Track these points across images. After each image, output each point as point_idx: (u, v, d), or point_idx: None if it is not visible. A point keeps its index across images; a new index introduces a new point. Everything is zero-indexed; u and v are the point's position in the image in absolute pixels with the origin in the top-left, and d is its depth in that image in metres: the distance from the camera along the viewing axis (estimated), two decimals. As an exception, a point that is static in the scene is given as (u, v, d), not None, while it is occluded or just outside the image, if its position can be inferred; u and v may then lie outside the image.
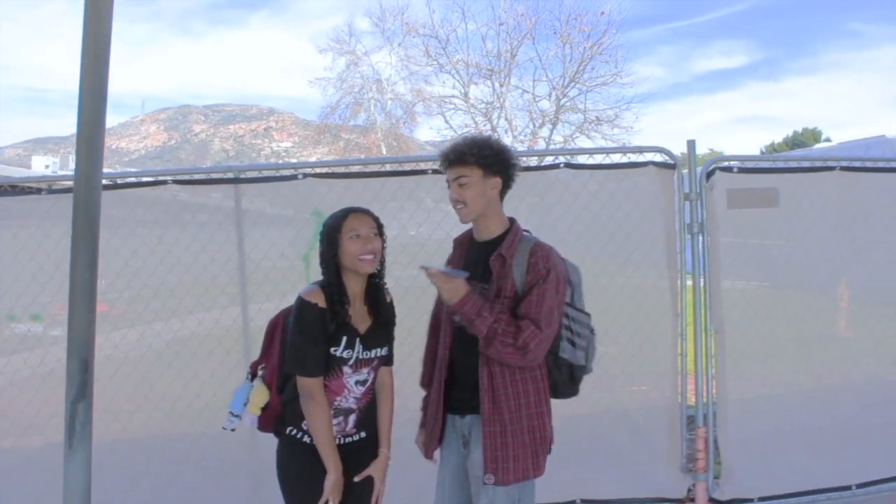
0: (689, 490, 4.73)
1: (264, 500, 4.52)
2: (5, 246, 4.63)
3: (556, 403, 3.06)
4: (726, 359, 4.72)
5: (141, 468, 4.67)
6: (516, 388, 2.88)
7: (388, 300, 3.14)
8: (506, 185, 3.01)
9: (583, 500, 4.69)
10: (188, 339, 4.69)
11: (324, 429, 2.87)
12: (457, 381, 3.02)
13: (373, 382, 3.03)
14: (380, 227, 3.01)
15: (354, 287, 2.97)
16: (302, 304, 2.87)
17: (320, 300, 2.86)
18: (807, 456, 4.81)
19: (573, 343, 2.95)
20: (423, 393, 3.28)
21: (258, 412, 3.05)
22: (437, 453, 3.15)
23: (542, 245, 2.92)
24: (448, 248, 3.23)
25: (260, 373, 3.12)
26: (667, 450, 4.76)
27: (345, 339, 2.89)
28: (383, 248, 3.01)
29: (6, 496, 4.64)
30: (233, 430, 3.14)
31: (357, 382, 2.95)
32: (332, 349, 2.87)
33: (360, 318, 2.97)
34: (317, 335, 2.84)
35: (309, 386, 2.86)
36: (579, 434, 4.54)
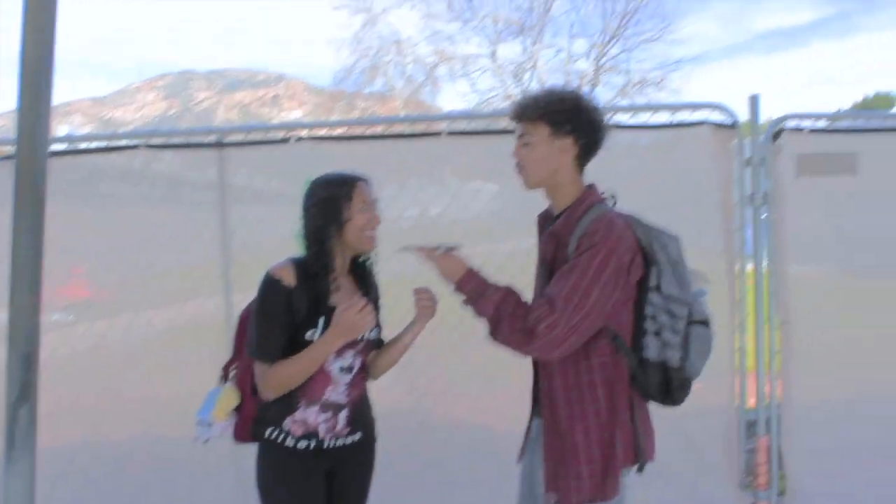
0: (749, 509, 4.56)
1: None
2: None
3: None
4: (793, 356, 4.51)
5: (116, 475, 4.61)
6: (580, 392, 2.64)
7: (376, 281, 3.10)
8: (585, 152, 2.77)
9: (624, 518, 4.55)
10: (164, 332, 4.61)
11: (286, 369, 2.76)
12: (539, 376, 2.84)
13: (361, 370, 2.94)
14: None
15: (340, 264, 2.89)
16: (266, 280, 2.82)
17: (288, 277, 2.79)
18: (890, 471, 4.57)
19: (661, 338, 2.64)
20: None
21: (224, 418, 2.94)
22: None
23: (604, 217, 2.63)
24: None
25: (232, 373, 3.03)
26: (722, 461, 4.57)
27: (322, 320, 2.78)
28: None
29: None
30: (205, 441, 3.00)
31: (342, 369, 2.85)
32: (307, 334, 2.77)
33: (343, 296, 2.88)
34: (276, 316, 2.77)
35: (262, 372, 2.80)
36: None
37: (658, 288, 2.66)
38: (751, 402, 4.74)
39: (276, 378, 2.78)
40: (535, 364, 2.85)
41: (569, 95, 2.75)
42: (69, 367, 4.51)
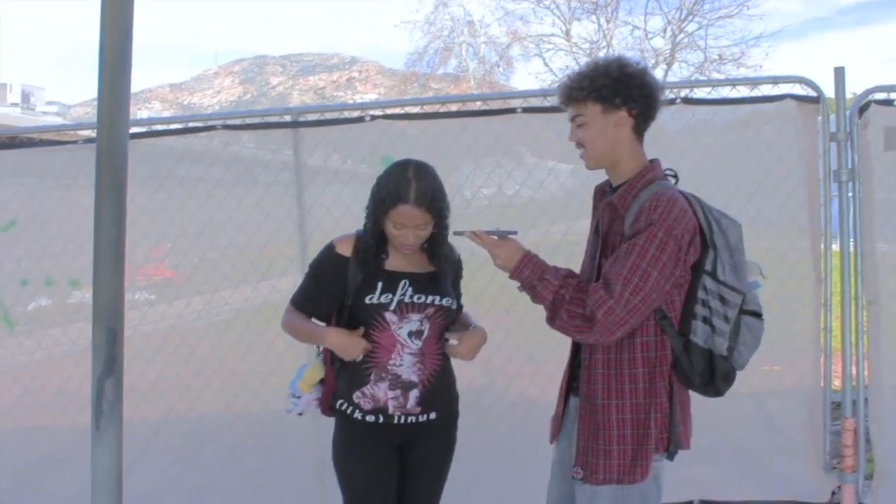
0: (834, 493, 4.43)
1: (331, 488, 4.51)
2: (39, 203, 4.69)
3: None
4: (881, 336, 4.37)
5: (196, 450, 4.70)
6: (620, 370, 2.55)
7: (457, 256, 3.11)
8: (642, 120, 2.64)
9: (702, 502, 4.47)
10: (241, 311, 4.69)
11: (297, 322, 3.04)
12: (578, 355, 2.75)
13: (435, 338, 2.92)
14: (439, 216, 2.89)
15: None
16: (326, 246, 3.03)
17: (346, 249, 2.95)
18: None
19: (710, 324, 2.55)
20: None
21: (308, 390, 3.02)
22: None
23: (664, 193, 2.52)
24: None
25: (321, 346, 3.07)
26: (806, 444, 4.47)
27: (380, 284, 2.88)
28: (445, 221, 2.95)
29: (42, 482, 4.75)
30: (300, 414, 3.10)
31: (410, 334, 2.87)
32: (366, 298, 2.87)
33: (412, 262, 2.95)
34: (320, 277, 3.01)
35: (286, 311, 3.08)
36: (699, 423, 4.28)
37: (713, 273, 2.55)
38: (836, 382, 4.63)
39: (288, 321, 3.06)
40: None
41: (613, 66, 2.62)
42: (151, 343, 4.62)
